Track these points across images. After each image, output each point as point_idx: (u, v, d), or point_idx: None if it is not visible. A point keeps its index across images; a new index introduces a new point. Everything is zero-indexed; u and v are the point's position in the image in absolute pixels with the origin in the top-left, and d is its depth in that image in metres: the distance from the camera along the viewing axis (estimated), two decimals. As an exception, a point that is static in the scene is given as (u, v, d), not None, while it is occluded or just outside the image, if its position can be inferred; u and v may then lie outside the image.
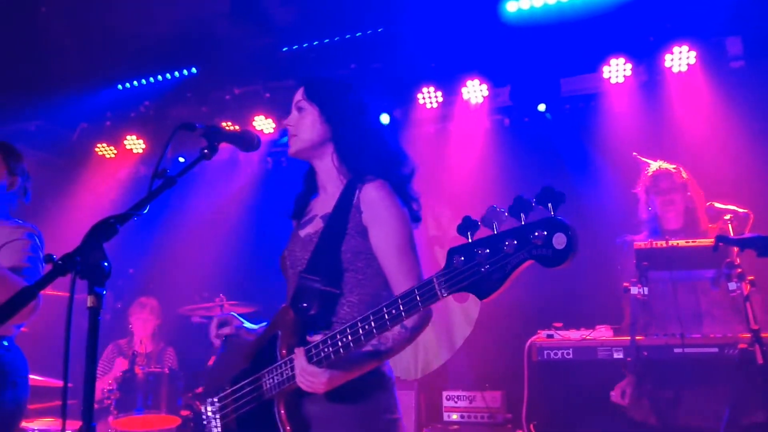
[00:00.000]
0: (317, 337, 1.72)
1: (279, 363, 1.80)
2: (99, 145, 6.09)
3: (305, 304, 1.84)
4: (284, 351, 1.81)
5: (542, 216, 1.33)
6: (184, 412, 4.40)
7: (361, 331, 1.62)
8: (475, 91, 5.05)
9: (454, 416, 4.48)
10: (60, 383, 4.26)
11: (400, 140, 2.11)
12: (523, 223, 1.36)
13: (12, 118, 5.60)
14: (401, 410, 1.91)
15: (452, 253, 1.43)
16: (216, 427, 1.98)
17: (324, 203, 2.02)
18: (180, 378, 4.36)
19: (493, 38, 4.69)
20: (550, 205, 1.32)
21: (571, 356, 3.46)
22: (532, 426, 3.56)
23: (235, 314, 2.11)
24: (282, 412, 1.78)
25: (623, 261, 3.72)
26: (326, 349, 1.68)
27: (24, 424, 3.79)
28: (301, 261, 1.94)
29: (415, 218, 1.95)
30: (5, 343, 2.38)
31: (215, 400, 2.00)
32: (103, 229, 1.41)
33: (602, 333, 3.49)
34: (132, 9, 4.84)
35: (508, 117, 5.25)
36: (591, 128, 4.89)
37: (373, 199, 1.88)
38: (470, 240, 1.43)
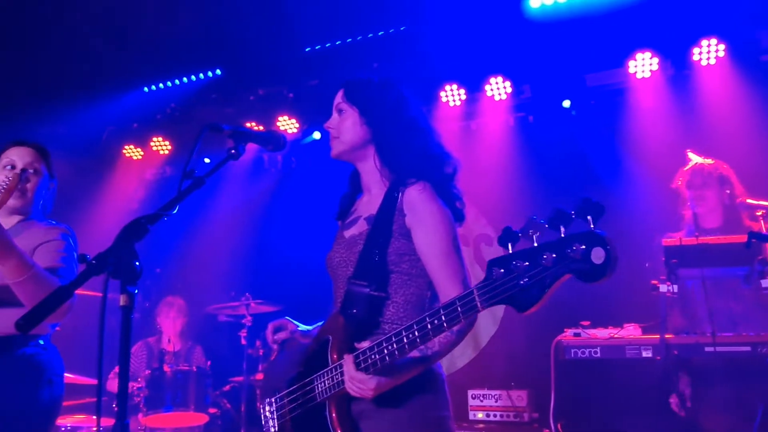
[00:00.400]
0: (365, 344, 1.74)
1: (330, 368, 1.83)
2: (126, 147, 6.21)
3: (354, 310, 1.86)
4: (335, 356, 1.84)
5: (582, 228, 1.32)
6: (212, 410, 4.46)
7: (405, 340, 1.63)
8: (498, 88, 5.02)
9: (480, 415, 4.46)
10: (91, 381, 4.35)
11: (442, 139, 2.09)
12: (562, 235, 1.35)
13: (42, 121, 5.72)
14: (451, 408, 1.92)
15: (492, 264, 1.43)
16: (273, 427, 2.02)
17: (368, 205, 2.03)
18: (208, 376, 4.42)
19: (517, 34, 4.66)
20: (589, 217, 1.30)
21: (598, 355, 3.42)
22: (559, 425, 3.53)
23: (290, 318, 2.13)
24: (333, 415, 1.81)
25: (653, 258, 3.66)
26: (373, 356, 1.70)
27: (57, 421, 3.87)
28: (346, 262, 1.96)
29: (459, 217, 1.95)
30: (41, 342, 2.42)
31: (273, 401, 2.04)
32: (135, 229, 1.43)
33: (630, 331, 3.44)
34: (157, 12, 4.91)
35: (532, 114, 5.21)
36: (617, 124, 4.83)
37: (416, 201, 1.88)
38: (510, 251, 1.43)
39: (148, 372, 4.31)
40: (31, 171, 2.54)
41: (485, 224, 5.39)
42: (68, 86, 5.39)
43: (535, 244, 1.39)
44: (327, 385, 1.83)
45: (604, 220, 1.33)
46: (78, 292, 1.58)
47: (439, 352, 1.79)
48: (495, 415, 4.40)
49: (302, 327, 2.11)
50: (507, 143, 5.20)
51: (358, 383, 1.71)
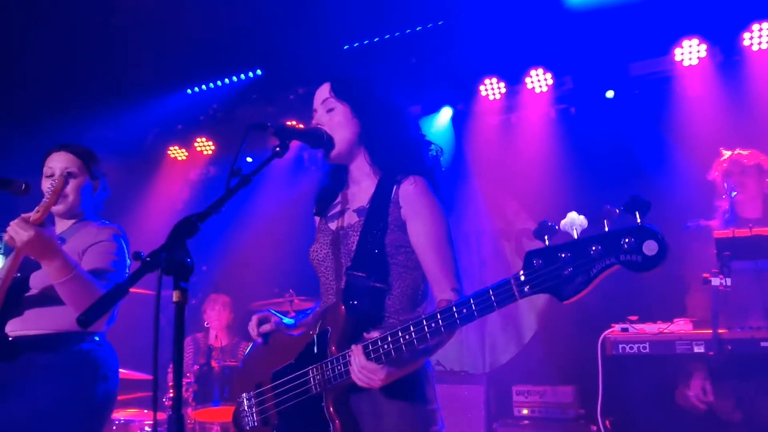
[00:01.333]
0: (374, 334, 1.73)
1: (330, 359, 1.82)
2: (171, 148, 6.36)
3: (356, 301, 1.86)
4: (334, 348, 1.82)
5: (628, 224, 1.37)
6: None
7: (427, 329, 1.62)
8: (539, 80, 4.94)
9: (525, 411, 4.41)
10: (143, 376, 4.48)
11: (423, 128, 2.11)
12: (606, 229, 1.40)
13: (90, 125, 5.92)
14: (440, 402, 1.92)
15: (531, 255, 1.46)
16: (253, 421, 1.99)
17: (356, 197, 2.02)
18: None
19: (557, 24, 4.58)
20: (637, 213, 1.36)
21: (647, 350, 3.34)
22: (607, 422, 3.46)
23: (273, 311, 2.13)
24: (331, 407, 1.80)
25: (697, 247, 3.55)
26: (386, 346, 1.69)
27: (111, 414, 3.99)
28: (336, 254, 1.96)
29: (449, 208, 1.96)
30: (96, 339, 2.50)
31: (251, 395, 2.02)
32: (186, 227, 1.46)
33: (681, 326, 3.35)
34: (197, 16, 5.01)
35: (574, 105, 5.11)
36: (663, 113, 4.69)
37: (411, 194, 1.89)
38: (547, 244, 1.45)
39: (196, 367, 4.41)
40: (67, 175, 2.58)
41: (526, 218, 5.32)
42: (114, 91, 5.56)
43: (577, 237, 1.43)
44: (326, 377, 1.81)
45: (651, 211, 1.37)
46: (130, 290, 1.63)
47: (440, 342, 1.77)
48: (540, 411, 4.35)
49: (286, 320, 2.10)
50: (548, 136, 5.12)
51: (369, 373, 1.70)
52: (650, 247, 1.33)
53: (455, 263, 1.88)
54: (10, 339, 2.38)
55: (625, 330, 3.43)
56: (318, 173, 2.17)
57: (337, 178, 2.12)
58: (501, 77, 5.04)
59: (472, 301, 1.55)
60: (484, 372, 5.14)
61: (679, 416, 3.35)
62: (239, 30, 5.16)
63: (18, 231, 2.21)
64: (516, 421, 4.40)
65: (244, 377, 2.10)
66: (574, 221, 1.43)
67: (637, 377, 3.48)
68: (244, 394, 2.05)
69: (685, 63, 4.53)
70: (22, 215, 2.30)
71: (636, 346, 3.37)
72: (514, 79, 5.02)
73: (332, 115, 1.99)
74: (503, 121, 5.35)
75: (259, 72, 5.72)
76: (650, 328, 3.40)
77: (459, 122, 5.43)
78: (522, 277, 1.46)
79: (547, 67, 4.90)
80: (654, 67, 4.77)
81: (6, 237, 2.26)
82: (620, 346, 3.39)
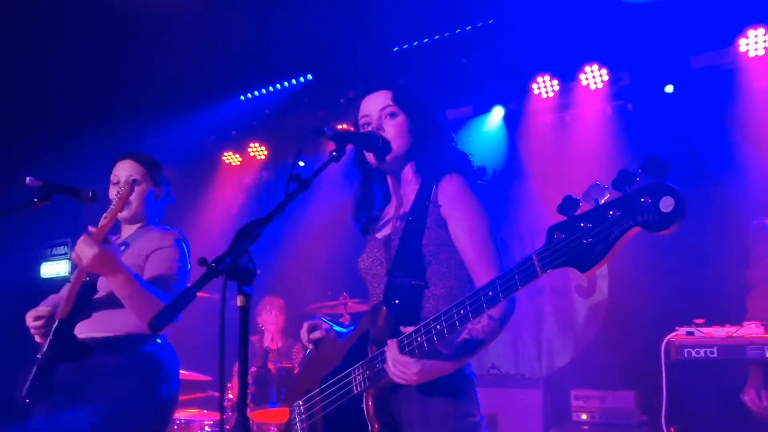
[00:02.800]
0: (410, 328, 1.73)
1: (369, 358, 1.82)
2: (225, 154, 6.51)
3: (397, 300, 1.87)
4: (374, 347, 1.83)
5: (646, 183, 1.33)
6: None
7: (455, 317, 1.61)
8: (594, 76, 4.83)
9: (584, 416, 4.30)
10: (203, 377, 4.60)
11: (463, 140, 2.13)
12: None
13: (152, 134, 6.13)
14: (479, 412, 1.89)
15: (552, 230, 1.44)
16: (302, 429, 2.01)
17: (398, 206, 2.05)
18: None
19: (612, 19, 4.46)
20: (657, 174, 1.32)
21: (715, 355, 3.21)
22: (672, 429, 3.34)
23: (324, 318, 2.15)
24: (371, 407, 1.79)
25: (762, 246, 3.39)
26: (419, 338, 1.68)
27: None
28: (381, 261, 1.98)
29: (494, 212, 1.95)
30: (159, 341, 2.57)
31: (300, 403, 2.04)
32: (249, 232, 1.49)
33: (751, 330, 3.20)
34: (248, 23, 5.11)
35: (631, 101, 4.96)
36: (727, 107, 4.50)
37: (451, 191, 1.90)
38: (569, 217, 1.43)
39: (253, 369, 4.49)
40: (132, 182, 2.68)
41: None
42: (172, 100, 5.75)
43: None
44: (366, 376, 1.81)
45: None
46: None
47: (482, 341, 1.77)
48: (600, 417, 4.24)
49: (337, 328, 2.11)
50: (604, 134, 4.99)
51: (402, 366, 1.70)
52: (667, 204, 1.28)
53: (499, 259, 1.86)
54: (79, 341, 2.48)
55: (690, 334, 3.31)
56: (350, 187, 2.20)
57: (372, 189, 2.15)
58: (554, 74, 4.96)
59: (497, 282, 1.54)
60: (540, 376, 5.05)
61: (749, 425, 3.20)
62: (289, 35, 5.24)
63: (84, 249, 2.31)
64: (574, 427, 4.30)
65: (297, 385, 2.13)
66: (594, 190, 1.39)
67: (704, 383, 3.34)
68: (294, 404, 2.08)
69: (751, 54, 4.34)
70: (89, 228, 2.40)
71: (703, 350, 3.25)
72: (567, 76, 4.93)
73: (395, 122, 2.01)
74: (557, 120, 5.26)
75: (309, 77, 5.79)
76: (718, 331, 3.27)
77: (511, 122, 5.36)
78: (543, 252, 1.44)
79: (603, 63, 4.78)
80: (717, 60, 4.58)
81: (73, 255, 2.37)
82: (686, 350, 3.27)
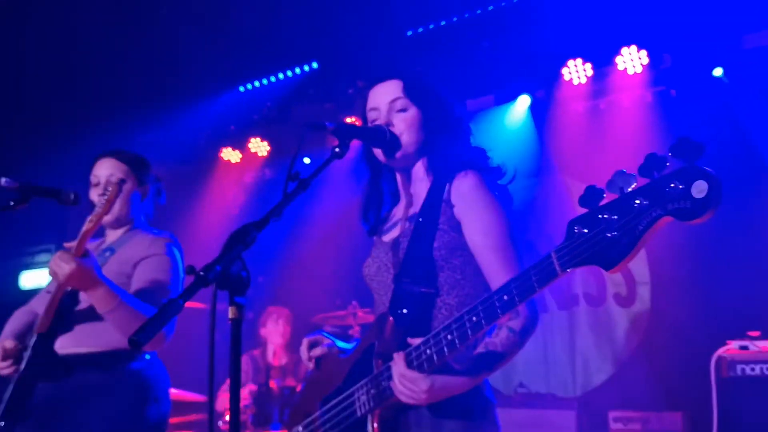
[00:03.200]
0: (418, 340, 1.71)
1: (374, 374, 1.80)
2: (224, 150, 6.53)
3: (404, 310, 1.84)
4: (380, 361, 1.81)
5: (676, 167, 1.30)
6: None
7: (467, 324, 1.59)
8: (632, 59, 4.78)
9: (624, 440, 4.23)
10: (197, 397, 4.59)
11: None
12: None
13: (138, 128, 6.15)
14: None
15: (572, 224, 1.42)
16: None
17: (407, 206, 2.05)
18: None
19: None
20: (688, 157, 1.29)
21: (773, 372, 3.16)
22: (724, 455, 3.28)
23: (326, 333, 2.13)
24: (376, 431, 1.76)
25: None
26: (428, 350, 1.66)
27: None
28: (388, 266, 1.97)
29: (514, 213, 1.94)
30: (147, 357, 2.56)
31: (300, 429, 2.03)
32: (242, 237, 1.46)
33: (815, 344, 3.14)
34: (248, 7, 5.11)
35: (674, 87, 4.91)
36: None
37: (465, 189, 1.89)
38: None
39: (254, 387, 4.48)
40: (119, 182, 2.65)
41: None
42: (162, 91, 5.75)
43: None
44: (371, 395, 1.79)
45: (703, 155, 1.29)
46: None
47: (501, 354, 1.74)
48: (643, 441, 4.17)
49: (340, 343, 2.09)
50: (644, 123, 4.92)
51: (409, 383, 1.67)
52: (700, 188, 1.24)
53: (519, 264, 1.84)
54: (60, 357, 2.47)
55: (744, 348, 3.29)
56: (356, 184, 2.20)
57: (381, 187, 2.15)
58: (587, 58, 4.91)
59: (512, 285, 1.52)
60: (574, 395, 5.00)
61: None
62: (292, 19, 5.24)
63: (60, 265, 2.32)
64: (614, 452, 4.23)
65: (297, 408, 2.12)
66: (619, 178, 1.36)
67: (759, 403, 3.29)
68: (293, 429, 2.07)
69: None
70: (64, 245, 2.41)
71: (758, 366, 3.24)
72: (602, 60, 4.89)
73: (405, 116, 2.00)
74: (591, 108, 5.21)
75: (315, 65, 5.80)
76: (776, 345, 3.22)
77: (539, 112, 5.33)
78: (563, 249, 1.42)
79: (641, 45, 4.72)
80: (774, 37, 4.50)
81: (49, 271, 2.38)
82: (738, 366, 3.26)
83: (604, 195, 1.38)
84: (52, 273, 2.36)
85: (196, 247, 3.20)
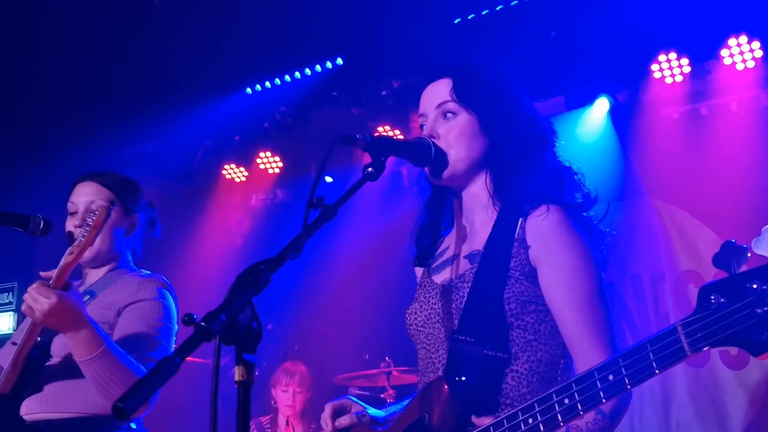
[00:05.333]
0: (486, 420, 1.71)
1: None
2: (226, 167, 6.60)
3: (464, 377, 1.83)
4: None
5: None
6: None
7: (557, 407, 1.58)
8: (741, 52, 4.77)
9: None
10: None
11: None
12: None
13: (126, 140, 6.25)
14: None
15: (707, 291, 1.40)
16: None
17: (468, 239, 2.05)
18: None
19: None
20: None
21: None
22: None
23: (354, 398, 2.12)
24: None
25: None
26: None
27: None
28: (441, 315, 1.96)
29: (603, 260, 1.94)
30: (133, 426, 2.57)
31: None
32: (252, 279, 1.45)
33: None
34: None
35: (796, 86, 4.86)
36: None
37: (545, 229, 1.88)
38: (734, 273, 1.39)
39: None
40: (109, 205, 2.63)
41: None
42: (151, 93, 5.83)
43: None
44: None
45: None
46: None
47: None
48: None
49: (372, 411, 2.08)
50: (758, 133, 4.90)
51: None
52: None
53: (610, 327, 1.85)
54: (27, 424, 2.50)
55: None
56: (417, 201, 2.20)
57: (441, 210, 2.15)
58: (683, 52, 4.91)
59: (621, 362, 1.49)
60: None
61: None
62: (310, 6, 5.30)
63: (37, 299, 2.31)
64: None
65: None
66: (729, 251, 1.36)
67: None
68: None
69: None
70: (42, 275, 2.42)
71: None
72: (703, 54, 4.91)
73: (452, 124, 2.01)
74: (688, 114, 5.21)
75: (339, 61, 5.84)
76: None
77: (621, 118, 5.34)
78: (695, 323, 1.39)
79: (753, 34, 4.70)
80: None
81: (24, 306, 2.37)
82: None
83: (749, 254, 1.38)
84: (27, 309, 2.35)
85: (193, 289, 3.23)
